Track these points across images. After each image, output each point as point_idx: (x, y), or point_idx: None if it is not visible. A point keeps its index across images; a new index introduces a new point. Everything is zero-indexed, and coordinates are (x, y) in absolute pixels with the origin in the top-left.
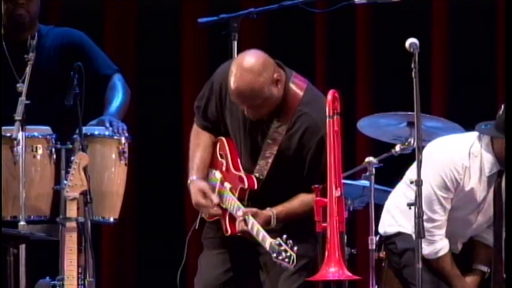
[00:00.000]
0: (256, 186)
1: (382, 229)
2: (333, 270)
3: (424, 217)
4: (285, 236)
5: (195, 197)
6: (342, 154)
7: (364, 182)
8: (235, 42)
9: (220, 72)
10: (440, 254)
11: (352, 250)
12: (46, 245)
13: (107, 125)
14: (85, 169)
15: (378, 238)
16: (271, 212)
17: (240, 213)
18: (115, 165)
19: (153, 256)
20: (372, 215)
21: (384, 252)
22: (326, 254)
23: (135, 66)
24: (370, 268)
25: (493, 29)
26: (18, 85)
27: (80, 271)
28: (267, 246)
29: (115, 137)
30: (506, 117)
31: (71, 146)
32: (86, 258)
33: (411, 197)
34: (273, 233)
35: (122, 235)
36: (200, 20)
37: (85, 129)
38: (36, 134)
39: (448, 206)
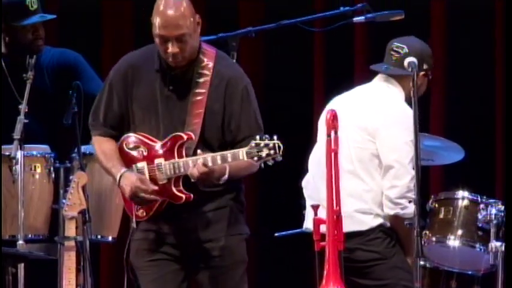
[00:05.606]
0: (194, 137)
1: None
2: None
3: (409, 177)
4: (258, 136)
5: (133, 183)
6: None
7: None
8: (234, 61)
9: (120, 63)
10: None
11: None
12: (45, 264)
13: None
14: (84, 188)
15: None
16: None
17: (191, 163)
18: (114, 184)
19: None
20: None
21: None
22: (325, 272)
23: None
24: None
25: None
26: (20, 106)
27: None
28: (244, 156)
29: None
30: (506, 117)
31: (69, 165)
32: (84, 277)
33: None
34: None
35: (120, 254)
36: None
37: (84, 148)
38: (35, 152)
39: None
